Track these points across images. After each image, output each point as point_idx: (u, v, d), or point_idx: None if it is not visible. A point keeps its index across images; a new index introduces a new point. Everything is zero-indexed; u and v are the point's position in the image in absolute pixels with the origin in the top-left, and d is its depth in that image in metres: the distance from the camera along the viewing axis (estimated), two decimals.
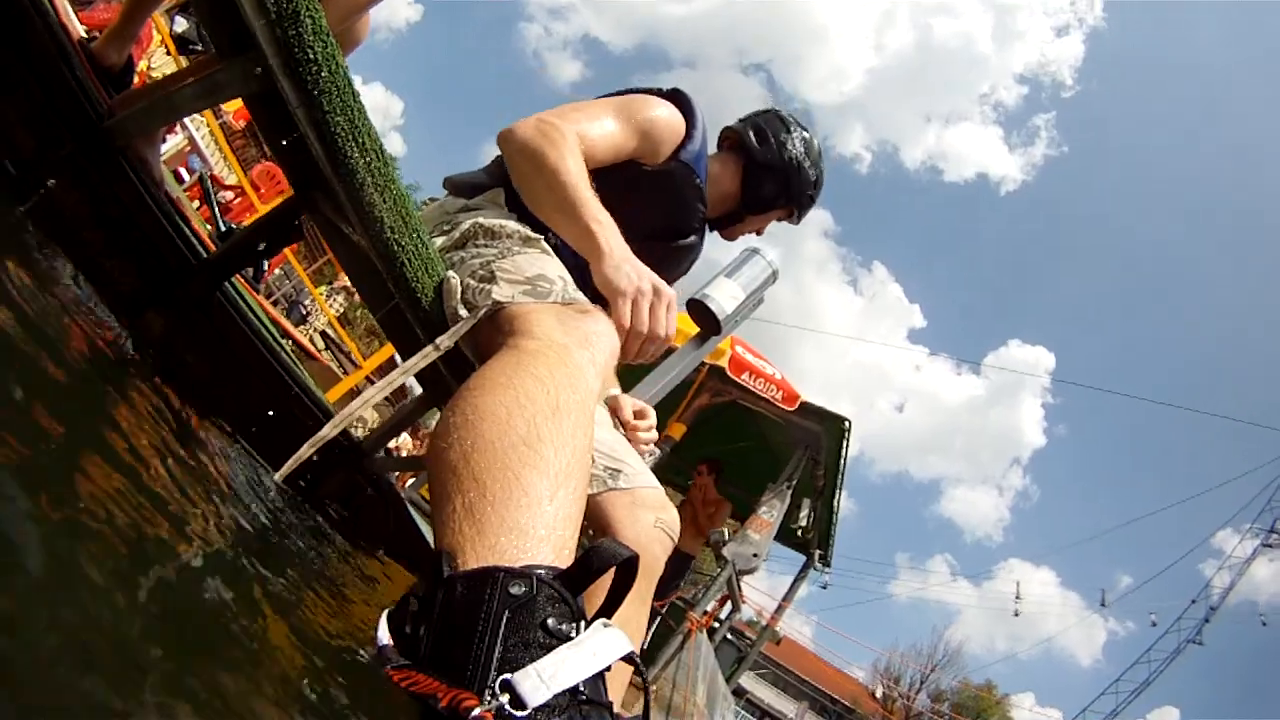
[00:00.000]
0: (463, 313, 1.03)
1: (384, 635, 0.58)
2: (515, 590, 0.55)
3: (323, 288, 6.94)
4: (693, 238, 1.58)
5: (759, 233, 1.67)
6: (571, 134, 1.19)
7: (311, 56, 0.70)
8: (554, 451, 0.71)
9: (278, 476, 0.83)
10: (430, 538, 2.09)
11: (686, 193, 1.47)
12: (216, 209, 3.04)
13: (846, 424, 5.87)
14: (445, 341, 0.97)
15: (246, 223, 3.99)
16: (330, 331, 6.73)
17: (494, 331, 1.00)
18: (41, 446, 0.76)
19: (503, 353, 0.86)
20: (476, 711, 0.49)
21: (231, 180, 4.86)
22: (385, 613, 0.59)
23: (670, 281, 1.76)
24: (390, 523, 1.87)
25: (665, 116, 1.39)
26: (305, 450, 0.80)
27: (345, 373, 6.28)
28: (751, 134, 1.59)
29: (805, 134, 1.62)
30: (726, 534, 5.83)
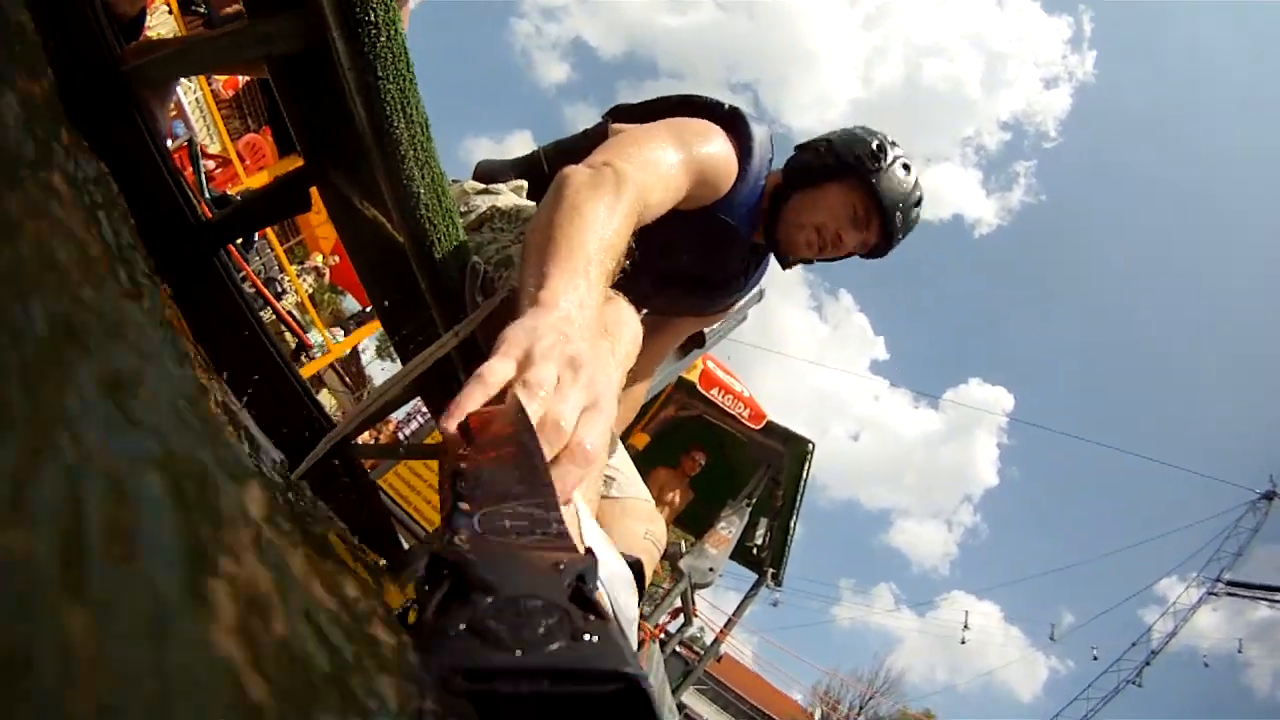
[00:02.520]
0: (480, 299, 1.01)
1: None
2: None
3: (294, 267, 6.79)
4: (720, 287, 1.47)
5: (836, 238, 1.30)
6: (632, 185, 0.89)
7: (372, 19, 0.68)
8: None
9: (293, 476, 0.80)
10: (399, 531, 2.04)
11: (722, 242, 1.33)
12: (203, 175, 2.95)
13: (810, 446, 5.93)
14: (464, 330, 0.95)
15: (232, 191, 3.89)
16: (297, 314, 6.57)
17: (508, 318, 0.97)
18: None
19: None
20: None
21: (215, 149, 4.72)
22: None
23: (694, 320, 1.60)
24: (364, 512, 1.83)
25: (723, 159, 1.20)
26: (322, 447, 0.77)
27: (309, 357, 6.13)
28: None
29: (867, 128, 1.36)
30: (684, 547, 5.83)
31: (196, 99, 4.69)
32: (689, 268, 1.39)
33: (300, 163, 1.22)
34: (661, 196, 1.02)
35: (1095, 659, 26.58)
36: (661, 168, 1.04)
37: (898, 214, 1.27)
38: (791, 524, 6.30)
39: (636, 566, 0.64)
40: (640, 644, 4.73)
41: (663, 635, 5.83)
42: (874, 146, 1.28)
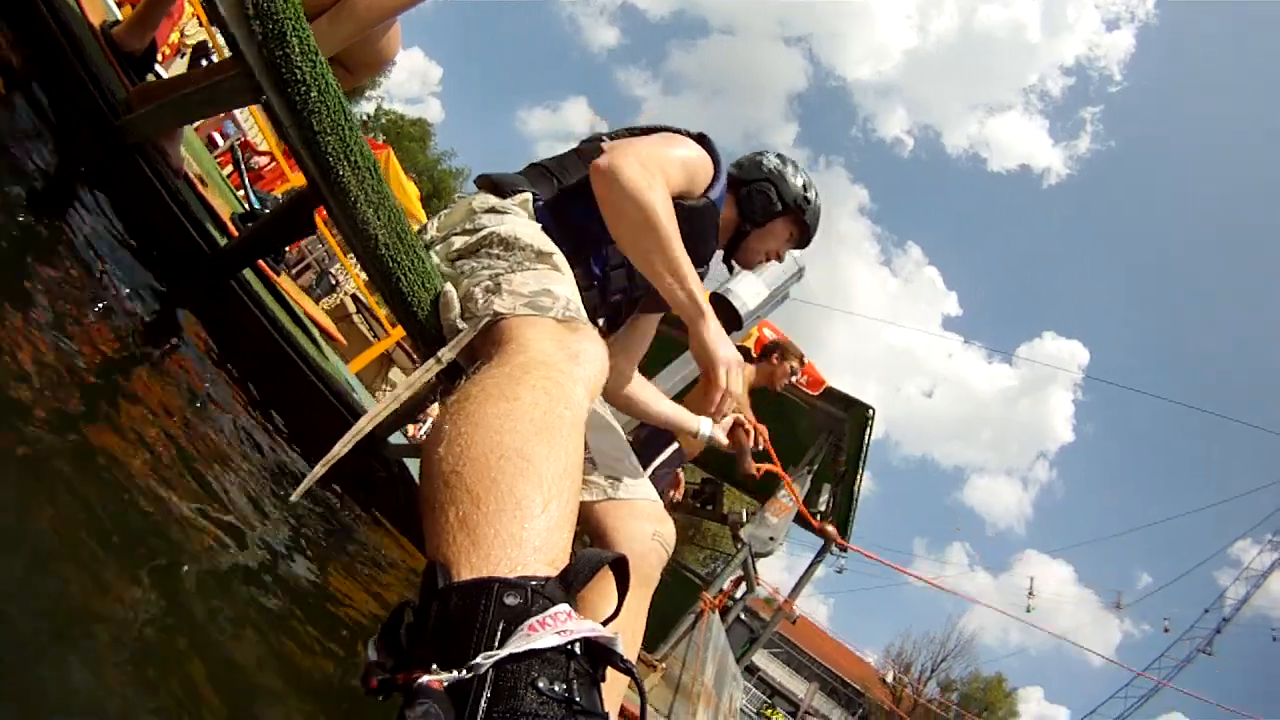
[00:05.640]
0: (461, 325, 1.03)
1: (372, 654, 0.59)
2: (510, 601, 0.56)
3: (351, 256, 7.02)
4: (704, 267, 1.65)
5: (778, 256, 1.79)
6: (664, 184, 1.28)
7: (300, 77, 0.70)
8: (546, 463, 0.71)
9: (294, 496, 0.85)
10: None
11: (709, 228, 1.56)
12: (246, 176, 3.09)
13: (870, 412, 5.79)
14: (447, 355, 0.97)
15: (276, 192, 4.05)
16: (361, 296, 6.80)
17: (489, 342, 1.00)
18: (54, 434, 0.78)
19: (496, 365, 0.86)
20: (424, 679, 0.51)
21: (264, 147, 4.91)
22: (373, 638, 0.60)
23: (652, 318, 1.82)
24: (403, 503, 1.91)
25: (701, 159, 1.48)
26: (319, 469, 0.81)
27: (376, 338, 6.36)
28: (733, 166, 1.72)
29: (780, 155, 1.76)
30: (745, 515, 5.83)
31: None
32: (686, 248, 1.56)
33: None
34: (676, 188, 1.37)
35: (1167, 630, 25.52)
36: (668, 164, 1.37)
37: (816, 226, 1.76)
38: (855, 490, 6.22)
39: (621, 563, 0.66)
40: (699, 615, 4.79)
41: (726, 603, 5.86)
42: (802, 186, 1.70)
